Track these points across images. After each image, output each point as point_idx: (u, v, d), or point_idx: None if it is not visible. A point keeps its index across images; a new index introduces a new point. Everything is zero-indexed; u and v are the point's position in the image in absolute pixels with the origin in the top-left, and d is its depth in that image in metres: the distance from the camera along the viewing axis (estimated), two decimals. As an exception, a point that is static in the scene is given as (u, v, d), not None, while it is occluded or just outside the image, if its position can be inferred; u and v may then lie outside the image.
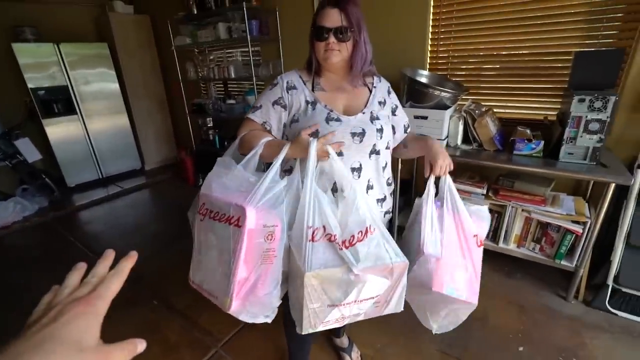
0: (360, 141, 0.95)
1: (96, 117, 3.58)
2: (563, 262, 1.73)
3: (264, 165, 0.93)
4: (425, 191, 1.00)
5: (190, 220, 0.94)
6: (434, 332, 1.01)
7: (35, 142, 3.20)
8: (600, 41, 1.69)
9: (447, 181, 1.00)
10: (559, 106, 1.85)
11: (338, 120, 0.95)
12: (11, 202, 3.00)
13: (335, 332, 1.51)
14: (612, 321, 1.62)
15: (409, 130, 1.17)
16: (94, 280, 0.34)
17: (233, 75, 2.92)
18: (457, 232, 0.97)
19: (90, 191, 3.53)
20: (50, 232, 2.82)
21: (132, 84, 3.82)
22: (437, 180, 1.02)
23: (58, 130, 3.35)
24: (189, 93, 3.47)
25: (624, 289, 1.67)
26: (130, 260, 0.36)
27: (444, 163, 0.97)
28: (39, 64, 3.15)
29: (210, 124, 3.38)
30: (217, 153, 3.22)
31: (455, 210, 0.98)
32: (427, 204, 0.98)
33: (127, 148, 3.88)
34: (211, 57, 3.43)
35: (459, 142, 1.90)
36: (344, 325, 1.23)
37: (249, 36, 2.57)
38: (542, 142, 1.64)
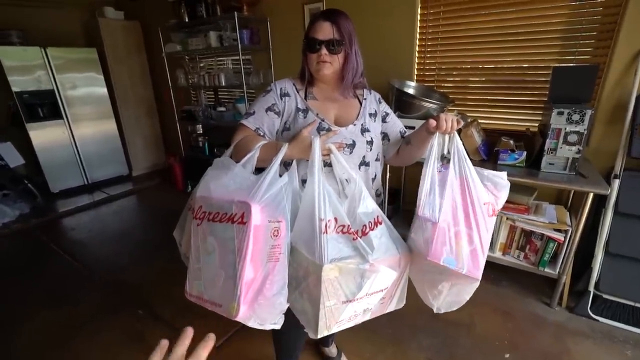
0: (350, 152, 0.97)
1: (83, 122, 3.53)
2: (546, 270, 1.77)
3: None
4: (428, 150, 0.90)
5: (177, 240, 0.93)
6: (435, 311, 0.94)
7: (18, 146, 3.12)
8: (577, 57, 1.78)
9: (456, 140, 0.89)
10: (539, 118, 1.92)
11: (329, 130, 0.96)
12: (-10, 208, 2.91)
13: (324, 342, 1.50)
14: (594, 327, 1.66)
15: (406, 135, 1.13)
16: None
17: (223, 83, 2.93)
18: (462, 198, 0.87)
19: (74, 197, 3.44)
20: (30, 240, 2.73)
21: (121, 89, 3.78)
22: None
23: (42, 134, 3.28)
24: (179, 100, 3.46)
25: (604, 296, 1.72)
26: (207, 347, 0.35)
27: (449, 118, 0.87)
28: (24, 67, 3.09)
29: (200, 131, 3.37)
30: (207, 160, 3.28)
31: (463, 173, 0.88)
32: (429, 164, 0.88)
33: (114, 153, 3.82)
34: (202, 65, 3.44)
35: (445, 152, 1.94)
36: (333, 334, 1.23)
37: (240, 45, 2.59)
38: (525, 153, 1.70)
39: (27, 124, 3.17)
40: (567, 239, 1.69)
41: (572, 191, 1.89)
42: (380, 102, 1.12)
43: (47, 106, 3.26)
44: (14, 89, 3.05)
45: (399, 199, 2.45)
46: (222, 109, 3.13)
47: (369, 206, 0.85)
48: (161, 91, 3.88)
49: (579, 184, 1.53)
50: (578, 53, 1.77)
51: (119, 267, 2.29)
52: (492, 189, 0.93)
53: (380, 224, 0.84)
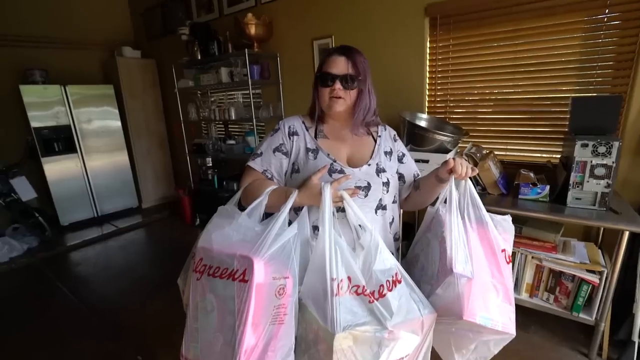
0: (366, 195, 0.90)
1: (96, 155, 3.59)
2: (581, 315, 1.60)
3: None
4: (447, 197, 0.85)
5: (180, 288, 0.86)
6: None
7: (32, 180, 3.16)
8: (595, 87, 1.72)
9: (469, 186, 0.86)
10: (560, 149, 1.83)
11: (341, 172, 0.90)
12: (-1, 242, 2.90)
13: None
14: (642, 384, 1.47)
15: (418, 178, 1.09)
16: None
17: (233, 117, 2.96)
18: (483, 247, 0.82)
19: (83, 230, 3.43)
20: (36, 275, 2.68)
21: (135, 123, 3.88)
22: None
23: (56, 167, 3.34)
24: (190, 133, 3.51)
25: (650, 346, 1.53)
26: None
27: (464, 163, 0.84)
28: (44, 103, 3.21)
29: (210, 164, 3.38)
30: (216, 193, 3.27)
31: (479, 220, 0.84)
32: (452, 212, 0.82)
33: (125, 186, 3.85)
34: (212, 99, 3.52)
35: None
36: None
37: (250, 80, 2.64)
38: (548, 187, 1.60)
39: (43, 158, 3.24)
40: (603, 281, 1.53)
41: (602, 228, 1.75)
42: (395, 140, 1.06)
43: (62, 140, 3.34)
44: (33, 124, 3.15)
45: (414, 235, 2.33)
46: (232, 142, 3.15)
47: (386, 262, 0.76)
48: (173, 125, 3.97)
49: (612, 220, 1.41)
50: (596, 83, 1.71)
51: (120, 306, 2.20)
52: (503, 234, 0.87)
53: (400, 282, 0.75)
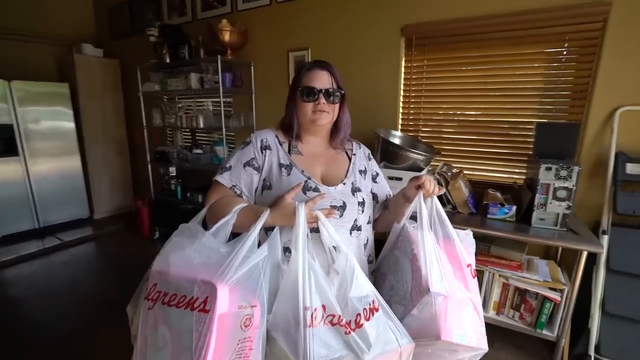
0: (341, 215, 0.85)
1: (42, 158, 3.23)
2: (544, 332, 1.65)
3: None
4: (417, 213, 0.84)
5: (129, 317, 0.74)
6: None
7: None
8: (554, 114, 1.83)
9: (435, 203, 0.87)
10: (524, 171, 1.92)
11: (316, 190, 0.85)
12: None
13: None
14: (599, 399, 1.51)
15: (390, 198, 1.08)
16: None
17: (202, 125, 2.82)
18: (451, 263, 0.82)
19: (20, 244, 3.02)
20: (-45, 297, 2.30)
21: (90, 126, 3.57)
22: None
23: (-8, 172, 2.96)
24: (153, 140, 3.30)
25: (605, 359, 1.60)
26: None
27: (432, 180, 0.86)
28: (-18, 100, 2.86)
29: (174, 173, 3.17)
30: (179, 204, 3.06)
31: (446, 236, 0.84)
32: (424, 228, 0.81)
33: (75, 194, 3.49)
34: (180, 105, 3.35)
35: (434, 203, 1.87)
36: None
37: (221, 87, 2.54)
38: (514, 207, 1.65)
39: (-24, 160, 2.85)
40: (564, 299, 1.59)
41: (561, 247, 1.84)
42: (370, 159, 1.04)
43: (2, 141, 2.98)
44: (-33, 123, 2.78)
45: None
46: (199, 151, 2.99)
47: (363, 288, 0.71)
48: (135, 130, 3.71)
49: (572, 241, 1.47)
50: (555, 110, 1.83)
51: (62, 333, 1.92)
52: (467, 248, 0.88)
53: (377, 310, 0.70)
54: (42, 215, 3.28)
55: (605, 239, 1.62)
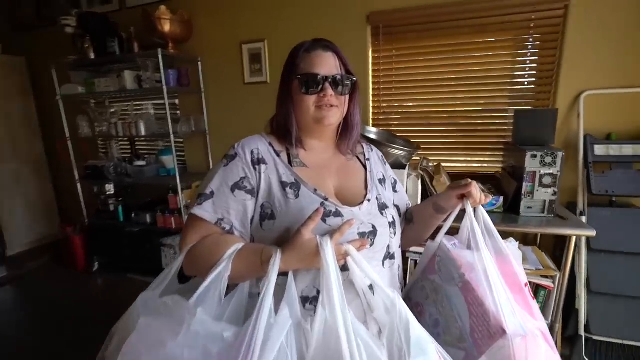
0: (372, 244, 0.64)
1: None
2: (539, 320, 1.64)
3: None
4: (468, 230, 0.69)
5: None
6: None
7: None
8: (524, 101, 1.85)
9: (483, 213, 0.71)
10: (501, 159, 1.91)
11: (337, 214, 0.62)
12: None
13: None
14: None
15: (410, 209, 0.89)
16: None
17: (144, 133, 2.39)
18: (509, 286, 0.67)
19: None
20: None
21: (-7, 143, 2.88)
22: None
23: None
24: (82, 153, 2.75)
25: (595, 337, 1.64)
26: None
27: (478, 186, 0.71)
28: None
29: (111, 191, 2.68)
30: (122, 228, 2.57)
31: (499, 253, 0.70)
32: (480, 248, 0.66)
33: (-23, 228, 2.78)
34: (113, 110, 2.83)
35: (419, 201, 1.77)
36: None
37: (165, 87, 2.16)
38: (502, 197, 1.61)
39: None
40: (556, 286, 1.59)
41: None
42: (385, 163, 0.84)
43: None
44: None
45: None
46: (142, 162, 2.55)
47: (423, 344, 0.52)
48: (55, 143, 3.07)
49: (562, 227, 1.46)
50: (525, 97, 1.84)
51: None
52: (518, 261, 0.73)
53: None
54: None
55: (583, 219, 1.66)
